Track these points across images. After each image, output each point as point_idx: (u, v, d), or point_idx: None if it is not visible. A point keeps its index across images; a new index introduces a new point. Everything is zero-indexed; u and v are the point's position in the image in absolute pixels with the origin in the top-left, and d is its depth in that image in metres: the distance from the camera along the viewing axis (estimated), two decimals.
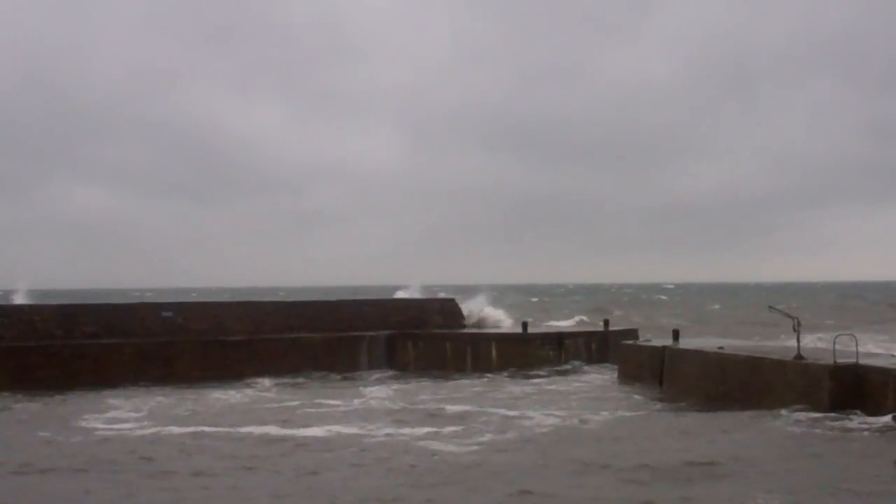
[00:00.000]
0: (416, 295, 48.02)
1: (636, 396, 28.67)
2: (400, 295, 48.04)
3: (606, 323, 40.64)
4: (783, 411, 23.47)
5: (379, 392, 31.18)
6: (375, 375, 36.64)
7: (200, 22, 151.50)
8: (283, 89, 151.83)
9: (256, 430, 22.86)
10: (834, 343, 24.74)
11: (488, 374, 35.86)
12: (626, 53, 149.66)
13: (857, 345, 24.55)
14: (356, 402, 28.56)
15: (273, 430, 22.85)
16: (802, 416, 22.95)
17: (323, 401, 28.58)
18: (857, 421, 22.16)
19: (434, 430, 22.67)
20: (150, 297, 40.40)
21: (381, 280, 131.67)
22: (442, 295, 48.04)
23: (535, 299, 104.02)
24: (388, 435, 21.97)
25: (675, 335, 32.87)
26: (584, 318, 59.66)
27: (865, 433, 21.05)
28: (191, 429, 23.13)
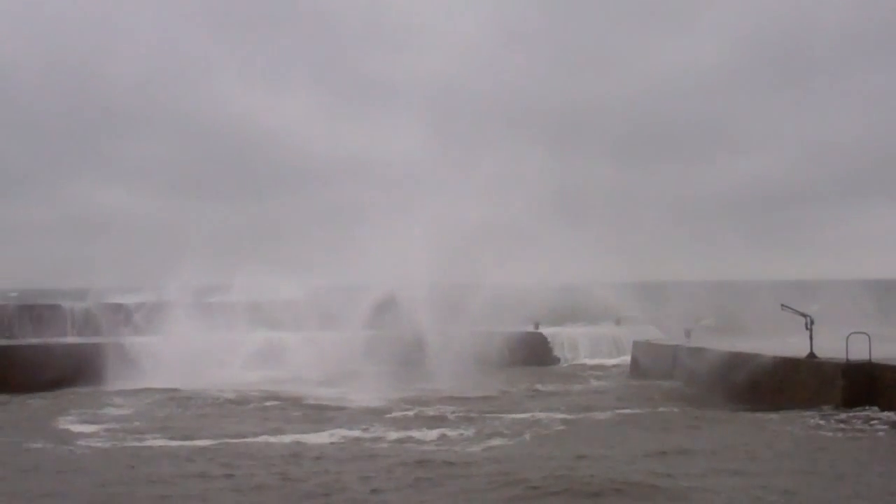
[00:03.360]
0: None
1: (646, 395, 28.43)
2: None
3: (618, 321, 40.48)
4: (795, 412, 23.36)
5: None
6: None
7: (231, 8, 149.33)
8: (316, 79, 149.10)
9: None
10: (847, 342, 24.48)
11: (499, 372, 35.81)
12: (674, 40, 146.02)
13: (870, 343, 24.34)
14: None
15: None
16: (815, 417, 22.84)
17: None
18: (868, 420, 22.08)
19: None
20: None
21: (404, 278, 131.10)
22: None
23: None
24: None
25: (688, 333, 32.67)
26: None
27: (880, 433, 20.99)
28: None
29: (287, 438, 21.29)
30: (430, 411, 25.41)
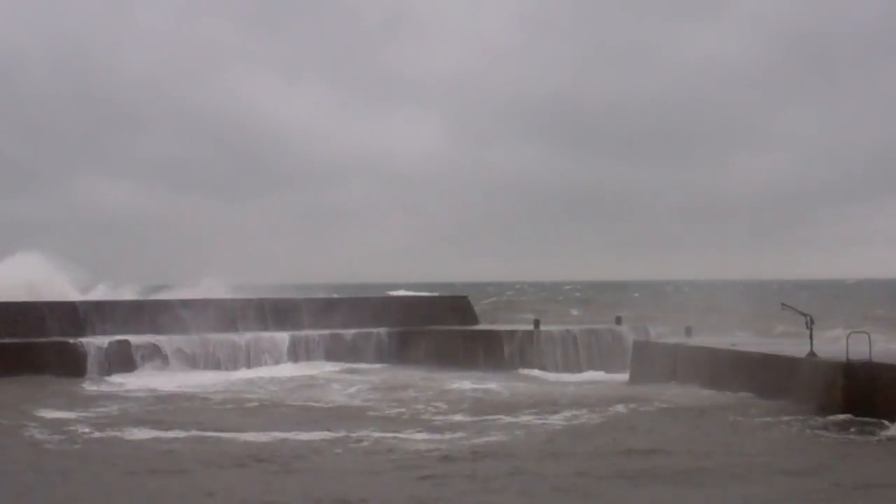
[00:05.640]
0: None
1: (644, 395, 28.05)
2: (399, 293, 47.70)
3: (619, 320, 40.20)
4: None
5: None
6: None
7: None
8: (333, 73, 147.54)
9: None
10: (847, 341, 24.21)
11: (500, 371, 35.66)
12: (702, 32, 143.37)
13: (870, 342, 24.05)
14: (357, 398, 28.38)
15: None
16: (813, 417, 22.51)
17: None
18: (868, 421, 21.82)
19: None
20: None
21: (411, 277, 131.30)
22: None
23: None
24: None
25: (688, 332, 32.38)
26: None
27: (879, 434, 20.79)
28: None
29: None
30: None
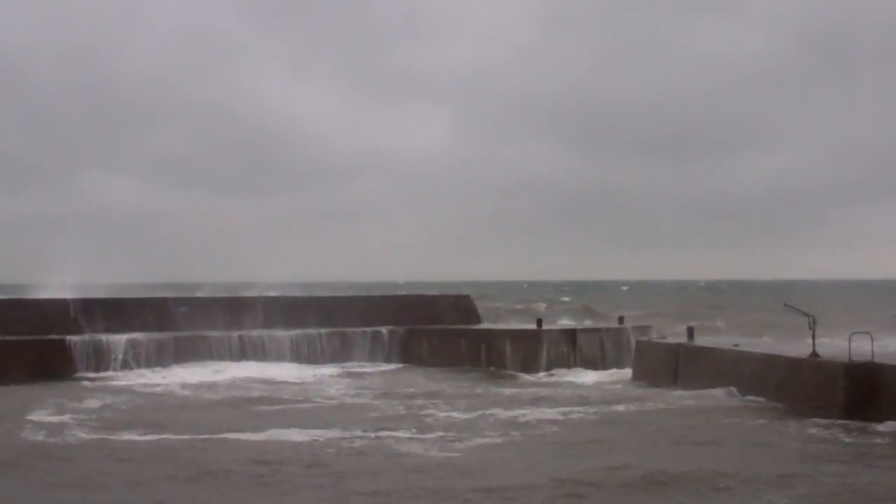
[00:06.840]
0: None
1: (645, 395, 27.91)
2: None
3: (621, 320, 39.98)
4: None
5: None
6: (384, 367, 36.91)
7: None
8: (346, 69, 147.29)
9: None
10: (849, 341, 23.98)
11: (501, 371, 35.52)
12: (721, 28, 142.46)
13: (872, 343, 23.82)
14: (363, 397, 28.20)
15: None
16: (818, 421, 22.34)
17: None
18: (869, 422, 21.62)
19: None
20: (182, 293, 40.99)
21: (419, 276, 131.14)
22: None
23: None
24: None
25: (690, 332, 32.12)
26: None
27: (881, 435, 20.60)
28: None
29: None
30: None
